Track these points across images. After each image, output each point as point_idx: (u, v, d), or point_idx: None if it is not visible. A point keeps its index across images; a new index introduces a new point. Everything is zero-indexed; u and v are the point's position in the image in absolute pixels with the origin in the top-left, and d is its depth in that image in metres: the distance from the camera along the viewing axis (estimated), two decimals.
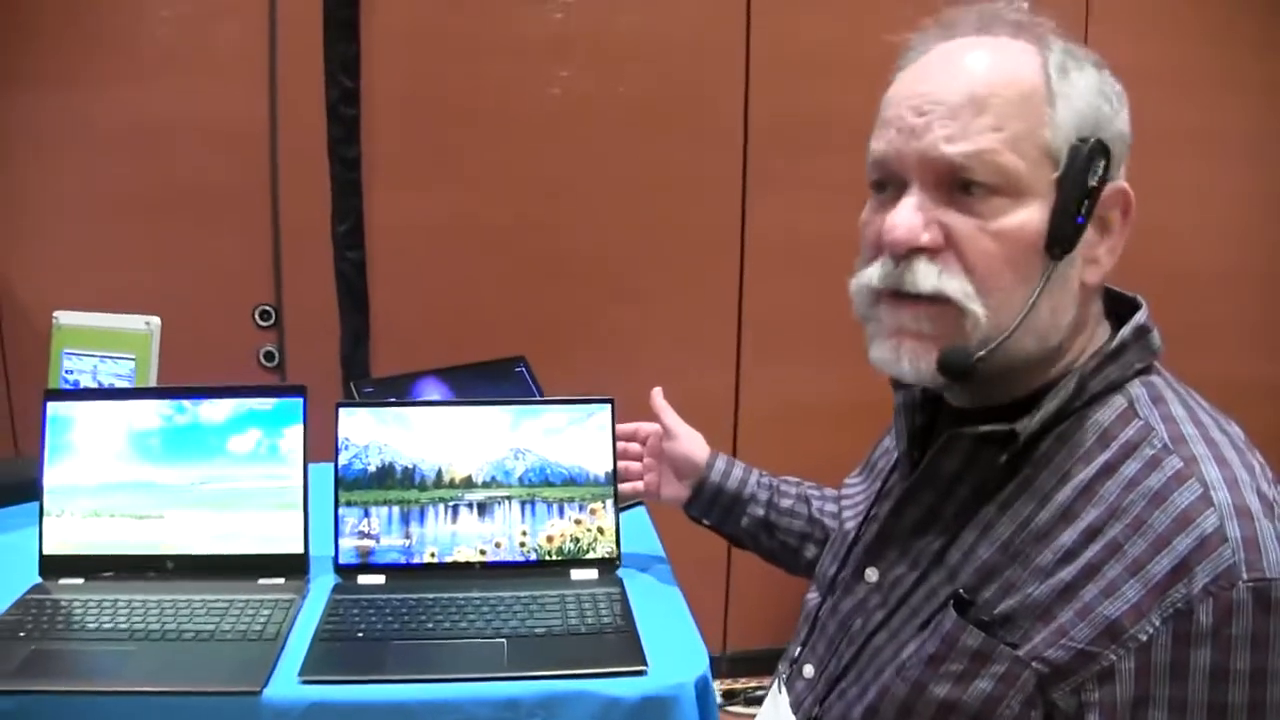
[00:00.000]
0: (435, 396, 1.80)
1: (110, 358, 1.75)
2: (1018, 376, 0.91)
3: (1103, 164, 0.85)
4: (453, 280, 2.57)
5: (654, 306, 2.65)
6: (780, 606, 2.76)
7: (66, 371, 1.79)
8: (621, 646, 1.32)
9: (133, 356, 1.72)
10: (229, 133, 2.43)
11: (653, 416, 1.54)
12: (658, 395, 1.55)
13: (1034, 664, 0.81)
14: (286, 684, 1.24)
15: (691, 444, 1.50)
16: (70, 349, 1.79)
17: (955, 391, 0.97)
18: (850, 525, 1.13)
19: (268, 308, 2.55)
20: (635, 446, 1.58)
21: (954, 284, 0.86)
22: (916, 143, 0.86)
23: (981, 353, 0.85)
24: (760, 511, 1.43)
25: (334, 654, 1.29)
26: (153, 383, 1.72)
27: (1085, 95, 0.86)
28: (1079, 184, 0.84)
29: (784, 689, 1.13)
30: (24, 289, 2.46)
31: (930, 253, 0.86)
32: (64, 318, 1.80)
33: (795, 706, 1.09)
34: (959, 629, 0.86)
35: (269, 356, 2.55)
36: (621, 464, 1.57)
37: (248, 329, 2.56)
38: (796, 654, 1.12)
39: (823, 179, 2.44)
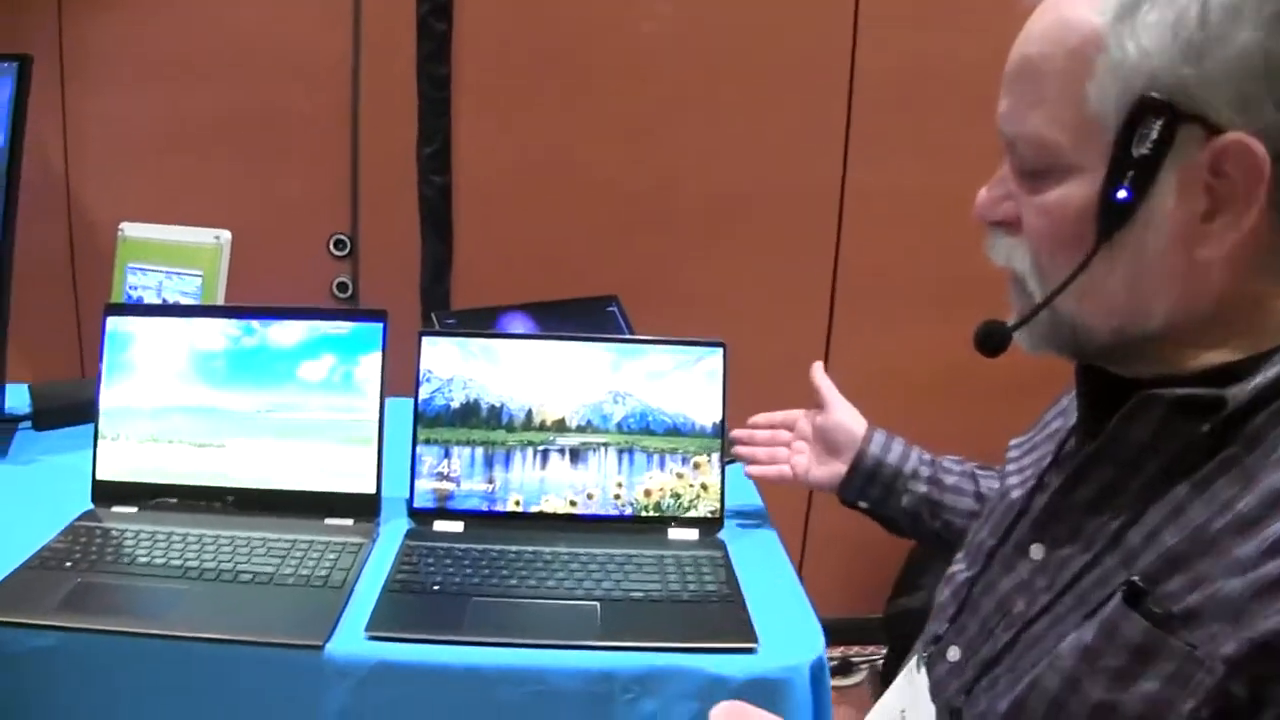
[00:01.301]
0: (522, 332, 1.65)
1: (177, 273, 1.62)
2: (1167, 352, 0.77)
3: (1158, 126, 0.68)
4: (540, 216, 2.41)
5: (745, 258, 2.48)
6: (857, 574, 2.63)
7: (130, 287, 1.67)
8: (728, 619, 1.17)
9: (200, 273, 1.59)
10: (310, 49, 2.28)
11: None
12: (819, 370, 1.40)
13: (1210, 663, 0.66)
14: (351, 639, 1.10)
15: (850, 414, 1.36)
16: (135, 263, 1.66)
17: (1113, 364, 0.84)
18: (1017, 494, 0.97)
19: (343, 237, 2.42)
20: (785, 434, 1.43)
21: (1017, 258, 0.81)
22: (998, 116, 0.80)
23: (1014, 329, 0.81)
24: (923, 488, 1.28)
25: (405, 608, 1.15)
26: (221, 301, 1.59)
27: (1150, 38, 0.68)
28: (1120, 153, 0.70)
29: (922, 670, 0.98)
30: (96, 210, 2.36)
31: (1007, 227, 0.81)
32: (130, 230, 1.68)
33: (935, 692, 0.94)
34: (1120, 617, 0.72)
35: (342, 287, 2.42)
36: (769, 450, 1.41)
37: (321, 258, 2.43)
38: (940, 633, 0.98)
39: (930, 134, 2.32)
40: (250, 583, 1.18)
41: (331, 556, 1.24)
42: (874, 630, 2.61)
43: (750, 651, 1.12)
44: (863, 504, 1.35)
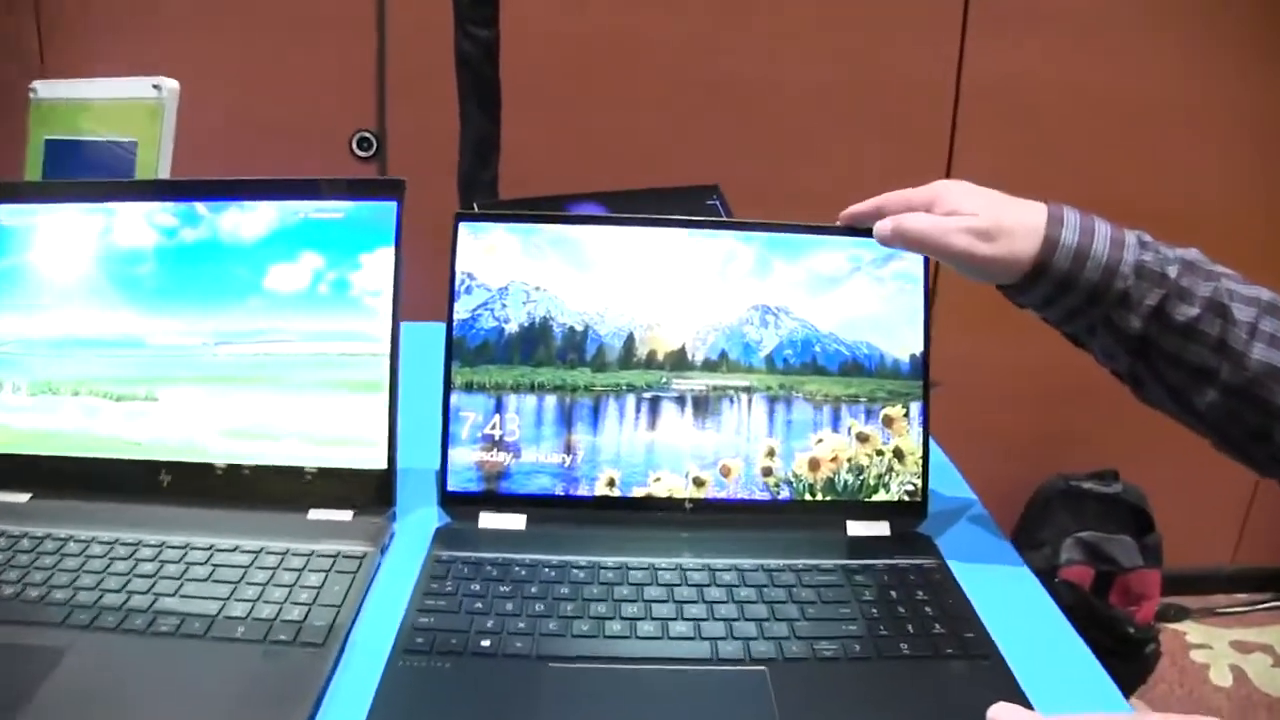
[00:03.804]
0: None
1: (105, 143, 1.14)
2: None
3: None
4: (612, 96, 2.02)
5: (847, 156, 2.15)
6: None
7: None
8: (988, 697, 0.67)
9: (135, 141, 1.10)
10: None
11: None
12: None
13: None
14: None
15: (1020, 232, 0.78)
16: (54, 134, 1.18)
17: None
18: None
19: (368, 135, 2.03)
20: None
21: None
22: None
23: None
24: (1137, 324, 0.76)
25: (431, 692, 0.66)
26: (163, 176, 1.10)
27: None
28: None
29: None
30: None
31: None
32: (44, 89, 1.19)
33: None
34: None
35: None
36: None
37: (343, 160, 2.03)
38: None
39: (1058, 18, 2.07)
40: (172, 635, 0.69)
41: (313, 580, 0.75)
42: None
43: None
44: (1038, 313, 0.82)
